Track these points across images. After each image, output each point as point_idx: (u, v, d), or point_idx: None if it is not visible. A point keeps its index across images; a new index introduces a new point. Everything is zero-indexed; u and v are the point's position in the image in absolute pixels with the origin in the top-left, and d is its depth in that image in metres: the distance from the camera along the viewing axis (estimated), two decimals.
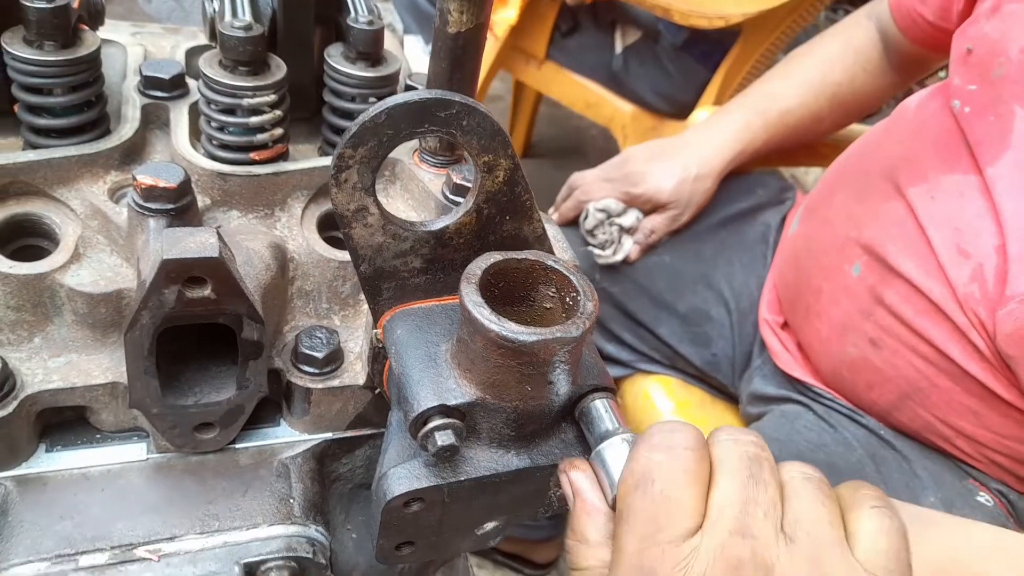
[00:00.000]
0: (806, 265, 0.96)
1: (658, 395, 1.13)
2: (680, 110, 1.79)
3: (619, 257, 1.08)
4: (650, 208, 1.08)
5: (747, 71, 1.80)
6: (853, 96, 1.08)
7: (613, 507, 0.36)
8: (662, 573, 0.31)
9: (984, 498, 0.84)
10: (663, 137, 1.79)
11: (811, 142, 1.20)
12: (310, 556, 0.46)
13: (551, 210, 1.14)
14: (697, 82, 1.75)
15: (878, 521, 0.33)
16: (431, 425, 0.39)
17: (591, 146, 2.72)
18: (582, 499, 0.37)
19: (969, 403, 0.80)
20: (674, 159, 1.07)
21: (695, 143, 1.09)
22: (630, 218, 1.07)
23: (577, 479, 0.37)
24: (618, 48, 1.77)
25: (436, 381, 0.40)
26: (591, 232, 1.08)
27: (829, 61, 1.10)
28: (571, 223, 1.12)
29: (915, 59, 1.07)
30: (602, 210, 1.06)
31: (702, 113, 1.26)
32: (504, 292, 0.42)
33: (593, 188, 1.08)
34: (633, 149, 1.11)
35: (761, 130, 1.09)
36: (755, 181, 1.16)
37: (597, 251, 1.08)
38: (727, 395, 1.15)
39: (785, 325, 1.03)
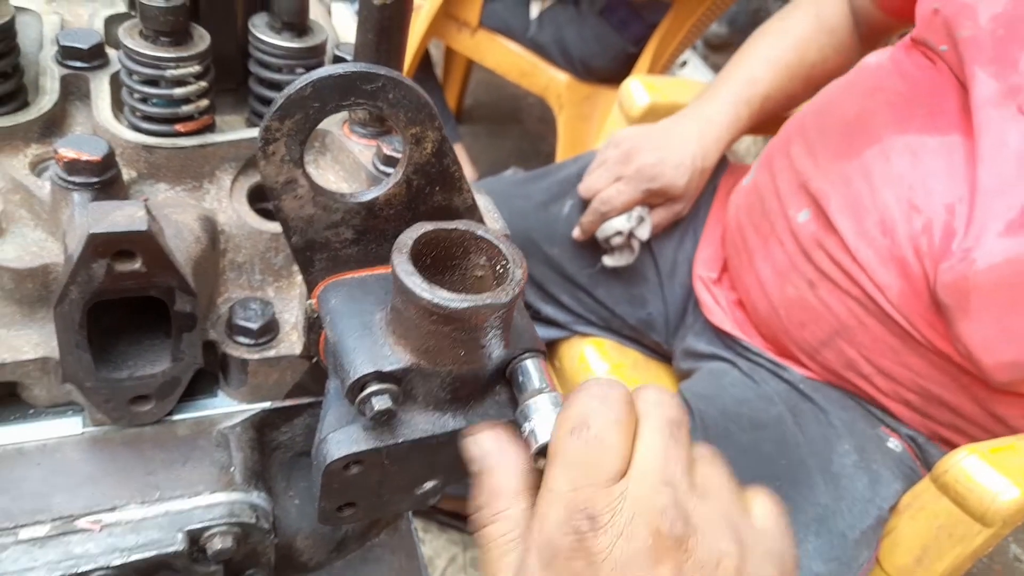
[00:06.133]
0: (756, 210, 1.00)
1: (593, 357, 1.17)
2: (593, 77, 1.81)
3: (630, 261, 1.09)
4: (660, 201, 1.08)
5: (680, 40, 1.83)
6: (824, 75, 1.10)
7: (540, 454, 0.38)
8: (595, 512, 0.33)
9: (894, 443, 0.90)
10: (598, 105, 1.82)
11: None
12: (253, 522, 0.47)
13: (575, 231, 1.12)
14: (613, 50, 1.78)
15: (770, 500, 0.37)
16: (368, 391, 0.40)
17: (528, 114, 2.72)
18: (499, 458, 0.39)
19: (891, 342, 0.87)
20: (681, 151, 1.06)
21: (696, 134, 1.08)
22: (646, 230, 1.07)
23: (486, 441, 0.39)
24: (533, 13, 1.78)
25: (371, 349, 0.41)
26: (605, 240, 1.08)
27: (804, 41, 1.11)
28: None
29: (883, 29, 1.10)
30: (620, 232, 1.06)
31: (635, 83, 1.27)
32: (436, 261, 0.43)
33: (612, 196, 1.06)
34: (629, 139, 1.09)
35: (747, 119, 1.11)
36: None
37: (606, 259, 1.09)
38: (660, 354, 1.19)
39: (718, 281, 1.07)
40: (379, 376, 0.40)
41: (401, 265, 0.39)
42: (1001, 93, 0.81)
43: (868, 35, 1.12)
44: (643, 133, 1.10)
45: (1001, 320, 0.79)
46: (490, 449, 0.39)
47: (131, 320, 0.48)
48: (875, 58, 0.98)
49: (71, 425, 0.49)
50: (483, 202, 0.50)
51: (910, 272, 0.84)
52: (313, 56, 0.55)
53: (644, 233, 1.07)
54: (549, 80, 1.82)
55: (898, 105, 0.89)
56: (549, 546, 0.34)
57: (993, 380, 0.82)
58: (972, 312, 0.79)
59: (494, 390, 0.44)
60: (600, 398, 0.36)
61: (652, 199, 1.07)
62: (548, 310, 1.16)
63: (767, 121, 1.15)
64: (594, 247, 1.12)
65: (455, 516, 1.56)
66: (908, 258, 0.84)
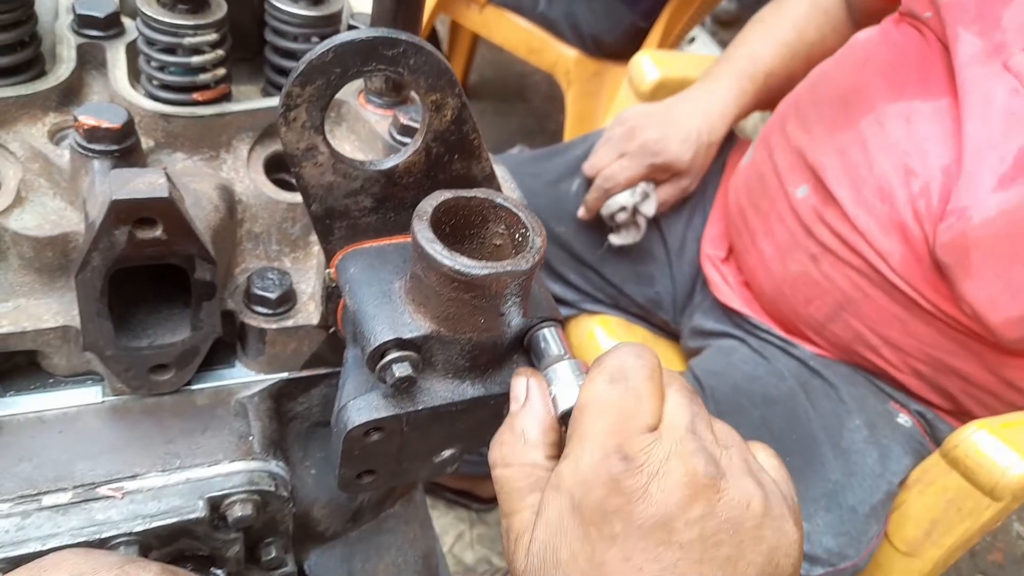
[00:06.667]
0: (756, 189, 1.00)
1: (601, 335, 1.17)
2: (603, 52, 1.79)
3: (636, 239, 1.07)
4: (665, 177, 1.07)
5: (691, 15, 1.81)
6: (823, 54, 1.11)
7: (563, 419, 0.38)
8: (631, 453, 0.34)
9: (903, 419, 0.91)
10: (606, 82, 1.80)
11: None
12: (272, 490, 0.48)
13: (580, 210, 1.12)
14: (623, 25, 1.76)
15: (768, 451, 0.40)
16: (388, 358, 0.40)
17: (534, 91, 2.71)
18: (532, 402, 0.39)
19: (897, 312, 0.87)
20: (686, 126, 1.07)
21: (701, 110, 1.09)
22: (651, 206, 1.06)
23: (532, 385, 0.40)
24: None
25: (391, 316, 0.41)
26: (610, 217, 1.07)
27: (802, 21, 1.13)
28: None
29: (875, 12, 1.11)
30: (625, 207, 1.05)
31: (645, 58, 1.26)
32: (454, 230, 0.43)
33: (615, 172, 1.06)
34: (634, 116, 1.10)
35: (752, 95, 1.11)
36: None
37: (612, 237, 1.08)
38: (668, 332, 1.19)
39: (726, 259, 1.07)
40: (399, 343, 0.40)
41: (422, 232, 0.39)
42: (985, 52, 0.82)
43: (861, 20, 1.13)
44: (648, 111, 1.10)
45: (1003, 274, 0.79)
46: (523, 395, 0.40)
47: (151, 290, 0.48)
48: (865, 34, 0.99)
49: (91, 394, 0.49)
50: (500, 172, 0.50)
51: (910, 236, 0.84)
52: (329, 25, 0.54)
53: (649, 209, 1.06)
54: (558, 56, 1.81)
55: (889, 74, 0.90)
56: (583, 486, 0.34)
57: (1003, 339, 0.82)
58: (974, 269, 0.79)
59: (512, 358, 0.45)
60: (636, 355, 0.37)
61: (657, 175, 1.07)
62: (556, 288, 1.17)
63: (770, 99, 1.15)
64: (602, 226, 1.11)
65: (462, 494, 1.57)
66: (908, 222, 0.84)
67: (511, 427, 0.39)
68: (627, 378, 0.36)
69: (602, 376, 0.37)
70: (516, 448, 0.38)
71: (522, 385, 0.40)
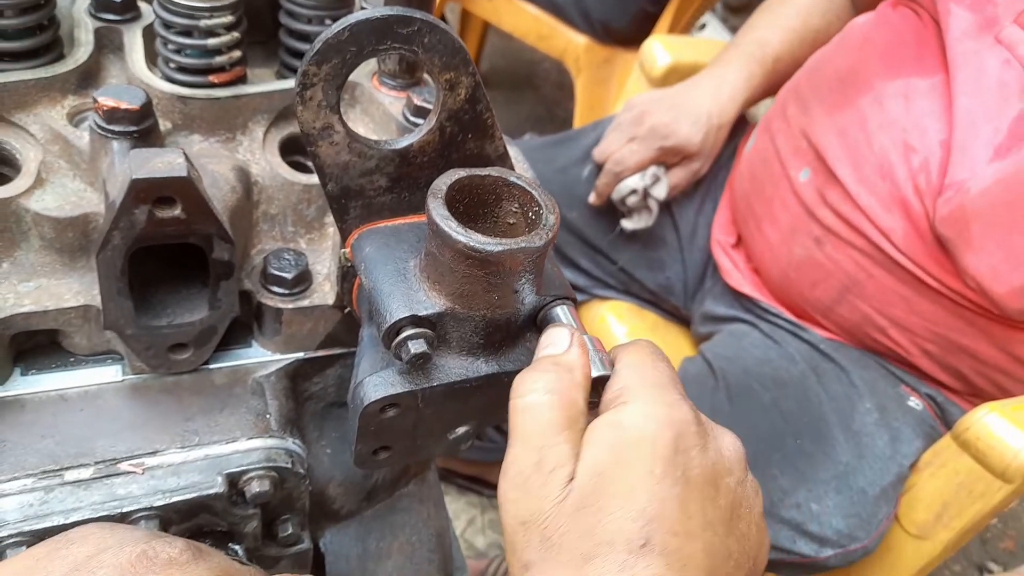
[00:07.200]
0: (759, 175, 1.01)
1: (612, 320, 1.17)
2: (612, 38, 1.78)
3: (648, 223, 1.08)
4: (676, 160, 1.08)
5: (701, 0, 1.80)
6: (827, 41, 1.11)
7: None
8: (692, 406, 0.37)
9: (914, 402, 0.91)
10: (616, 69, 1.80)
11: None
12: (289, 466, 0.48)
13: (591, 196, 1.13)
14: (632, 10, 1.75)
15: None
16: (404, 335, 0.41)
17: (543, 79, 2.70)
18: (578, 350, 0.39)
19: (902, 291, 0.88)
20: (695, 109, 1.07)
21: (710, 93, 1.09)
22: (662, 189, 1.06)
23: (576, 337, 0.40)
24: None
25: (407, 294, 0.42)
26: (621, 201, 1.07)
27: (808, 8, 1.14)
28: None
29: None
30: (635, 190, 1.05)
31: (656, 44, 1.26)
32: (468, 208, 0.43)
33: (625, 156, 1.06)
34: (643, 102, 1.10)
35: (761, 78, 1.12)
36: None
37: (624, 222, 1.08)
38: (678, 318, 1.20)
39: (736, 244, 1.07)
40: (415, 320, 0.41)
41: (437, 209, 0.39)
42: (977, 26, 0.83)
43: (862, 7, 1.13)
44: (657, 96, 1.11)
45: (1004, 244, 0.80)
46: (567, 342, 0.40)
47: (169, 270, 0.49)
48: (862, 18, 1.00)
49: (111, 373, 0.50)
50: (513, 152, 0.50)
51: (912, 212, 0.85)
52: (343, 7, 0.55)
53: (660, 192, 1.06)
54: (567, 43, 1.80)
55: (887, 54, 0.91)
56: (657, 421, 0.35)
57: (1008, 310, 0.82)
58: (974, 241, 0.80)
59: (525, 337, 0.45)
60: (658, 348, 0.40)
61: (667, 158, 1.07)
62: (567, 274, 1.17)
63: (779, 83, 1.15)
64: (613, 212, 1.12)
65: (474, 480, 1.58)
66: (909, 198, 0.85)
67: (556, 362, 0.39)
68: (664, 358, 0.39)
69: (643, 352, 0.39)
70: (564, 379, 0.38)
71: (565, 333, 0.40)
